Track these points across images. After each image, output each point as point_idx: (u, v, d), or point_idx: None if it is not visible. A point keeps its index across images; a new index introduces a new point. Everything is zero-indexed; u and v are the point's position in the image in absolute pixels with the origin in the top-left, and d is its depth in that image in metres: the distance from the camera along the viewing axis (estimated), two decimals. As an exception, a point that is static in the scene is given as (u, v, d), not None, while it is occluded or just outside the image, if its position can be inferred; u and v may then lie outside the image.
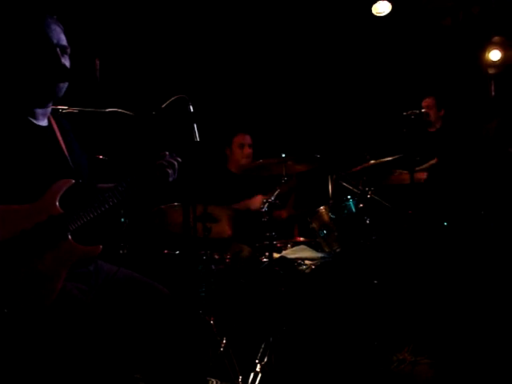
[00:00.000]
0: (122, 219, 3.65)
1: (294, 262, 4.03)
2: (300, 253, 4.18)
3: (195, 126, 2.79)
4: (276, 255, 4.06)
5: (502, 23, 6.10)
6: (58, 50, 2.30)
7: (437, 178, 5.09)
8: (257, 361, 3.39)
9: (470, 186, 4.94)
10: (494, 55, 6.19)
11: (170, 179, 2.42)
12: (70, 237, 2.17)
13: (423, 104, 5.38)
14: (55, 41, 2.31)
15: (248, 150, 4.90)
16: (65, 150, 2.40)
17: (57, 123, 2.47)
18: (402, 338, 3.92)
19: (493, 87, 6.30)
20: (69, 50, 2.37)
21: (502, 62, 6.19)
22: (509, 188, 4.72)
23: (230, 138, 4.98)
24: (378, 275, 4.01)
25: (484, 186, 4.83)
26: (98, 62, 2.91)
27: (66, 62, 2.34)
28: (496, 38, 6.23)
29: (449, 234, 4.63)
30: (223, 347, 3.36)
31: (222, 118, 5.40)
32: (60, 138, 2.43)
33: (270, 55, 6.00)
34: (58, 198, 2.19)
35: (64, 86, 2.35)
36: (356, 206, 4.18)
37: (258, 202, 4.38)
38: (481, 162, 5.00)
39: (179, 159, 2.47)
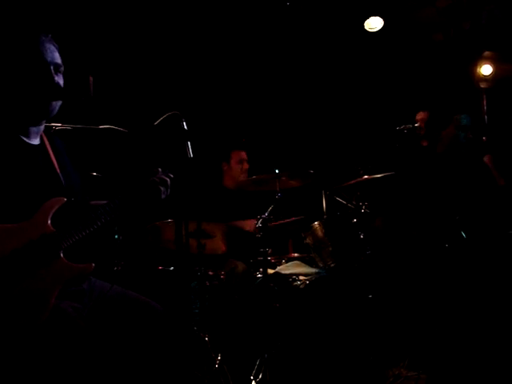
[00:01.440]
0: (116, 236, 3.65)
1: (289, 278, 4.02)
2: (294, 268, 4.17)
3: (188, 142, 2.80)
4: (270, 271, 4.05)
5: (492, 38, 6.16)
6: (51, 68, 2.31)
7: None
8: (252, 377, 3.38)
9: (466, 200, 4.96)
10: (486, 70, 6.25)
11: (163, 196, 2.39)
12: (62, 255, 2.15)
13: (417, 117, 5.39)
14: (49, 59, 2.31)
15: (247, 166, 4.92)
16: (57, 168, 2.39)
17: (49, 141, 2.46)
18: (397, 353, 3.91)
19: (485, 101, 6.35)
20: (62, 69, 2.37)
21: (494, 76, 6.25)
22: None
23: (227, 153, 4.99)
24: (372, 290, 4.00)
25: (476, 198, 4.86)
26: (91, 79, 2.92)
27: (60, 80, 2.35)
28: (487, 53, 6.29)
29: (443, 248, 4.64)
30: (218, 364, 3.35)
31: (215, 134, 5.42)
32: (52, 156, 2.42)
33: (264, 70, 6.04)
34: (49, 217, 2.18)
35: (57, 104, 2.36)
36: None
37: (251, 224, 4.38)
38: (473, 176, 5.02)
39: (172, 175, 2.45)
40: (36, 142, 2.39)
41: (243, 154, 4.96)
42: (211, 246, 3.88)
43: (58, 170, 2.40)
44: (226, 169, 5.00)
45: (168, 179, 2.40)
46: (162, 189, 2.37)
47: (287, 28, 5.93)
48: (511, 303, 4.06)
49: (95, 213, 2.27)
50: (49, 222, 2.17)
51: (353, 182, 4.52)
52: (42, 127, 2.43)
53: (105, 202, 2.34)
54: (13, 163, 2.22)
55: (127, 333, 2.35)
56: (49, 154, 2.41)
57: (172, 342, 2.46)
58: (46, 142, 2.44)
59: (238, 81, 5.90)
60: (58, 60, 2.35)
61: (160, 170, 2.42)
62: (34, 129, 2.37)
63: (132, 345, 2.35)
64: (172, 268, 3.91)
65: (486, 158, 4.93)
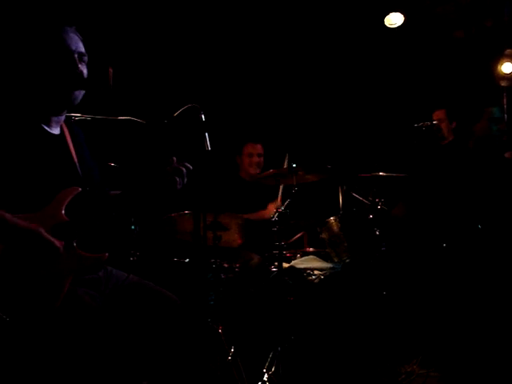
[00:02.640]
0: (133, 227, 3.67)
1: (304, 272, 4.03)
2: (309, 263, 4.18)
3: (207, 134, 2.80)
4: (285, 265, 4.06)
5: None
6: (75, 56, 2.33)
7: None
8: (264, 370, 3.40)
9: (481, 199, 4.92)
10: (507, 68, 6.18)
11: (179, 186, 2.35)
12: (75, 244, 2.17)
13: (434, 117, 5.35)
14: (73, 48, 2.33)
15: (256, 159, 4.95)
16: (75, 158, 2.41)
17: (69, 131, 2.48)
18: (411, 350, 3.90)
19: (505, 100, 6.28)
20: (86, 58, 2.39)
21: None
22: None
23: (240, 146, 5.04)
24: (387, 286, 3.99)
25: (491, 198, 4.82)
26: (111, 71, 2.94)
27: (84, 69, 2.36)
28: (508, 51, 6.22)
29: (457, 246, 4.62)
30: (231, 356, 3.36)
31: (233, 127, 5.44)
32: (71, 146, 2.43)
33: (284, 65, 6.03)
34: (63, 206, 2.19)
35: (80, 94, 2.37)
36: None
37: (271, 210, 4.39)
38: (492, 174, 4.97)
39: (188, 165, 2.41)
40: (56, 131, 2.41)
41: (255, 148, 5.00)
42: (227, 238, 3.90)
43: (76, 160, 2.41)
44: (239, 162, 5.09)
45: (184, 169, 2.35)
46: (178, 179, 2.32)
47: (308, 23, 5.92)
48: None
49: (111, 203, 2.28)
50: (62, 211, 2.18)
51: (368, 175, 4.51)
52: (63, 117, 2.44)
53: (121, 192, 2.35)
54: (32, 152, 2.23)
55: (142, 322, 2.37)
56: (67, 144, 2.43)
57: (187, 333, 2.47)
58: (66, 132, 2.46)
59: (258, 75, 5.90)
60: (82, 49, 2.37)
61: (175, 159, 2.39)
62: (55, 118, 2.39)
63: (147, 334, 2.37)
64: (187, 260, 3.93)
65: (507, 154, 4.88)
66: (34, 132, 2.29)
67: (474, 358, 3.79)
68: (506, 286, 4.20)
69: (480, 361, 3.75)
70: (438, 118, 5.33)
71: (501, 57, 6.19)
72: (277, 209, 3.85)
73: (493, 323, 4.04)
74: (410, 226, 4.82)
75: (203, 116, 2.85)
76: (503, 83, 6.19)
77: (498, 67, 6.16)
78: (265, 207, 4.70)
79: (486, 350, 3.85)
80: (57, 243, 2.11)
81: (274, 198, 4.53)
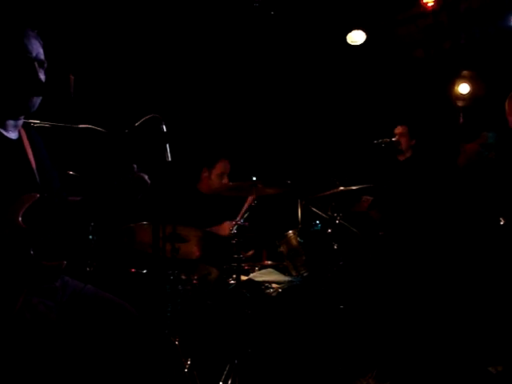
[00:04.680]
0: (90, 236, 3.63)
1: (262, 285, 4.03)
2: (267, 276, 4.19)
3: (167, 145, 2.79)
4: (243, 278, 4.06)
5: (471, 58, 6.27)
6: (35, 64, 2.30)
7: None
8: (221, 383, 3.38)
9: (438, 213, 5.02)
10: (463, 88, 6.36)
11: (139, 195, 2.34)
12: (32, 252, 2.13)
13: (396, 131, 5.44)
14: (34, 54, 2.30)
15: (226, 180, 4.85)
16: (33, 164, 2.37)
17: (28, 137, 2.45)
18: (366, 364, 3.94)
19: (461, 119, 6.45)
20: (45, 65, 2.37)
21: (471, 95, 6.36)
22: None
23: (212, 161, 4.91)
24: (344, 300, 4.03)
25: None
26: (72, 78, 2.90)
27: (42, 76, 2.34)
28: (465, 72, 6.40)
29: (412, 260, 4.70)
30: (188, 368, 3.34)
31: (192, 138, 5.42)
32: (29, 152, 2.40)
33: (244, 79, 6.06)
34: (20, 213, 2.14)
35: (38, 100, 2.35)
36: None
37: (225, 228, 4.38)
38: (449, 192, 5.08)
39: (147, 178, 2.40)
40: (14, 136, 2.37)
41: (227, 167, 4.89)
42: (185, 250, 3.88)
43: (34, 166, 2.37)
44: (205, 175, 4.93)
45: (145, 177, 2.36)
46: (138, 186, 2.34)
47: (270, 38, 5.97)
48: (479, 315, 4.13)
49: (70, 209, 2.25)
50: (19, 218, 2.13)
51: (328, 192, 4.56)
52: (21, 122, 2.41)
53: (81, 198, 2.32)
54: None
55: (99, 332, 2.34)
56: (25, 149, 2.39)
57: (143, 345, 2.45)
58: (24, 137, 2.42)
59: (218, 88, 5.91)
60: (42, 56, 2.35)
61: (135, 166, 2.38)
62: (11, 122, 2.36)
63: (103, 345, 2.34)
64: (145, 271, 3.90)
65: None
66: None
67: (427, 373, 3.84)
68: (459, 299, 4.28)
69: (434, 375, 3.81)
70: (399, 132, 5.42)
71: (458, 78, 6.37)
72: (236, 221, 3.86)
73: (446, 336, 4.12)
74: (385, 230, 4.88)
75: (164, 127, 2.85)
76: (460, 103, 6.36)
77: (455, 88, 6.33)
78: (221, 221, 4.64)
79: (440, 364, 3.92)
80: (13, 251, 2.07)
81: (232, 212, 4.51)
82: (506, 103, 4.19)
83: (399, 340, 4.16)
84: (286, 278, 4.20)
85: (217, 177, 4.86)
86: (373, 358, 3.97)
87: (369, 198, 5.20)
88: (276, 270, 4.38)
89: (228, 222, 4.42)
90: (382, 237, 4.79)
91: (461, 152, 4.86)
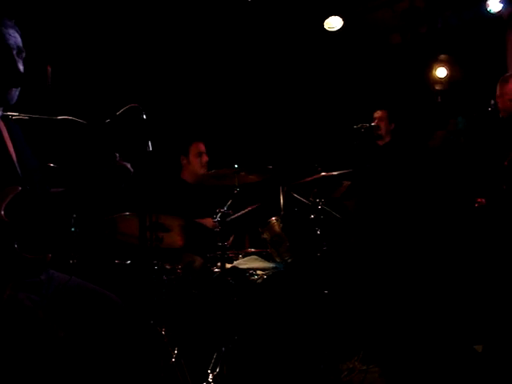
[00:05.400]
0: (73, 228, 3.59)
1: (246, 273, 4.04)
2: (252, 263, 4.20)
3: (148, 136, 2.78)
4: (228, 265, 4.06)
5: (447, 42, 6.32)
6: (14, 52, 2.27)
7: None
8: (209, 371, 3.39)
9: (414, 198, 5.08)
10: (441, 72, 6.40)
11: (123, 184, 2.35)
12: (16, 246, 2.10)
13: (375, 115, 5.48)
14: (12, 44, 2.27)
15: (205, 158, 4.89)
16: (13, 157, 2.34)
17: (7, 128, 2.42)
18: (352, 347, 3.97)
19: (439, 99, 6.50)
20: (24, 55, 2.33)
21: (448, 78, 6.41)
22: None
23: (186, 146, 4.94)
24: (328, 285, 4.05)
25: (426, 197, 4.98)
26: (49, 69, 2.86)
27: (21, 66, 2.31)
28: (442, 56, 6.44)
29: (393, 244, 4.75)
30: (175, 357, 3.34)
31: (173, 127, 5.40)
32: (9, 144, 2.36)
33: (222, 64, 6.05)
34: (3, 207, 2.11)
35: (16, 92, 2.32)
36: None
37: (209, 223, 4.38)
38: (426, 175, 5.14)
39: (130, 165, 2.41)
40: (-8, 128, 2.34)
41: (201, 146, 4.92)
42: (168, 239, 3.87)
43: (15, 159, 2.34)
44: (184, 163, 4.95)
45: (127, 165, 2.35)
46: (122, 175, 2.33)
47: (247, 24, 5.95)
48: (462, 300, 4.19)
49: (53, 200, 2.23)
50: (2, 212, 2.10)
51: (310, 178, 4.57)
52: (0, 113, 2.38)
53: (63, 189, 2.30)
54: None
55: (85, 324, 2.33)
56: (5, 142, 2.36)
57: (129, 335, 2.44)
58: (4, 130, 2.38)
59: (198, 74, 5.88)
60: (21, 45, 2.32)
61: (118, 155, 2.37)
62: None
63: (89, 336, 2.33)
64: (129, 262, 3.88)
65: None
66: None
67: (413, 353, 3.89)
68: (443, 282, 4.34)
69: (419, 356, 3.85)
70: (378, 116, 5.46)
71: (435, 62, 6.41)
72: (219, 210, 3.86)
73: (432, 318, 4.17)
74: (359, 219, 4.92)
75: (144, 116, 2.83)
76: (438, 87, 6.41)
77: (433, 72, 6.37)
78: (206, 209, 4.63)
79: (424, 345, 3.97)
80: None
81: (217, 201, 4.51)
82: (498, 86, 4.25)
83: (385, 322, 4.20)
84: (271, 265, 4.21)
85: (195, 158, 4.88)
86: (358, 341, 4.01)
87: (349, 183, 5.24)
88: (260, 257, 4.39)
89: (210, 219, 4.39)
90: (355, 225, 4.82)
91: (433, 137, 4.94)
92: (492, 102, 4.62)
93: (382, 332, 4.12)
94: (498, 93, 4.26)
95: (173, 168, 5.00)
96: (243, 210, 4.29)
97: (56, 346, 2.18)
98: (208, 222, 4.44)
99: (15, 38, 2.29)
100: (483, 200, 4.11)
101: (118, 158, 2.36)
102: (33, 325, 2.09)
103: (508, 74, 4.32)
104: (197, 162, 4.87)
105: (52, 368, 2.13)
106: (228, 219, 3.91)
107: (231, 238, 4.71)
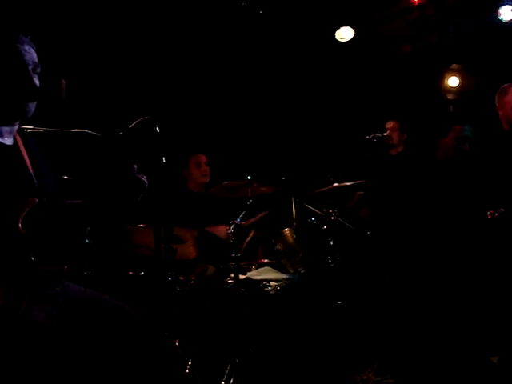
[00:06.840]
0: (87, 240, 3.61)
1: (260, 284, 4.04)
2: (265, 274, 4.19)
3: (162, 148, 2.80)
4: (241, 276, 4.06)
5: (459, 51, 6.31)
6: (30, 68, 2.30)
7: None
8: (222, 383, 3.38)
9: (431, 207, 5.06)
10: (453, 81, 6.39)
11: (139, 196, 2.36)
12: (32, 258, 2.11)
13: (387, 126, 5.49)
14: (28, 59, 2.30)
15: (205, 168, 4.98)
16: (30, 169, 2.37)
17: (23, 141, 2.45)
18: (366, 358, 3.95)
19: (452, 109, 6.49)
20: (39, 70, 2.36)
21: (460, 88, 6.39)
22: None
23: (186, 159, 5.06)
24: (341, 296, 4.04)
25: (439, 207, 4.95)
26: (64, 82, 2.90)
27: (37, 81, 2.34)
28: (454, 66, 6.43)
29: (409, 254, 4.72)
30: (189, 369, 3.33)
31: (185, 139, 5.44)
32: (25, 157, 2.39)
33: (236, 76, 6.07)
34: (20, 219, 2.11)
35: (33, 105, 2.34)
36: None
37: (222, 231, 4.39)
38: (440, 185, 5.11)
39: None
40: (9, 141, 2.36)
41: (200, 157, 5.02)
42: (182, 251, 3.87)
43: (31, 170, 2.37)
44: (187, 175, 5.07)
45: (143, 178, 2.36)
46: (138, 187, 2.34)
47: (259, 34, 5.98)
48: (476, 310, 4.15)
49: (69, 212, 2.25)
50: (19, 224, 2.10)
51: (323, 189, 4.57)
52: (16, 127, 2.41)
53: (79, 201, 2.32)
54: None
55: (100, 335, 2.34)
56: (22, 154, 2.39)
57: (144, 347, 2.45)
58: (20, 143, 2.42)
59: (211, 86, 5.92)
60: (36, 60, 2.35)
61: (136, 166, 2.38)
62: (6, 128, 2.35)
63: (104, 347, 2.34)
64: (142, 273, 3.89)
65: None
66: None
67: (428, 364, 3.86)
68: (458, 293, 4.31)
69: (434, 366, 3.82)
70: (390, 127, 5.46)
71: (447, 71, 6.39)
72: (232, 221, 3.87)
73: (446, 329, 4.14)
74: (375, 228, 4.90)
75: (158, 128, 2.85)
76: (450, 96, 6.39)
77: (445, 81, 6.36)
78: (217, 219, 4.65)
79: (440, 356, 3.94)
80: (14, 257, 2.06)
81: (227, 211, 4.52)
82: (496, 97, 4.23)
83: (399, 333, 4.18)
84: (284, 276, 4.20)
85: (195, 168, 5.00)
86: (372, 353, 3.98)
87: (361, 193, 5.23)
88: (273, 268, 4.39)
89: (224, 226, 4.41)
90: (371, 235, 4.79)
91: (438, 147, 4.92)
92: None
93: (397, 343, 4.09)
94: (497, 104, 4.24)
95: (179, 179, 5.10)
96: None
97: (70, 358, 2.19)
98: (221, 229, 4.45)
99: (31, 54, 2.32)
100: (496, 212, 4.08)
101: (135, 170, 2.37)
102: (48, 337, 2.10)
103: (505, 85, 4.28)
104: (197, 172, 4.99)
105: (66, 380, 2.14)
106: (243, 224, 3.92)
107: (251, 234, 4.70)
